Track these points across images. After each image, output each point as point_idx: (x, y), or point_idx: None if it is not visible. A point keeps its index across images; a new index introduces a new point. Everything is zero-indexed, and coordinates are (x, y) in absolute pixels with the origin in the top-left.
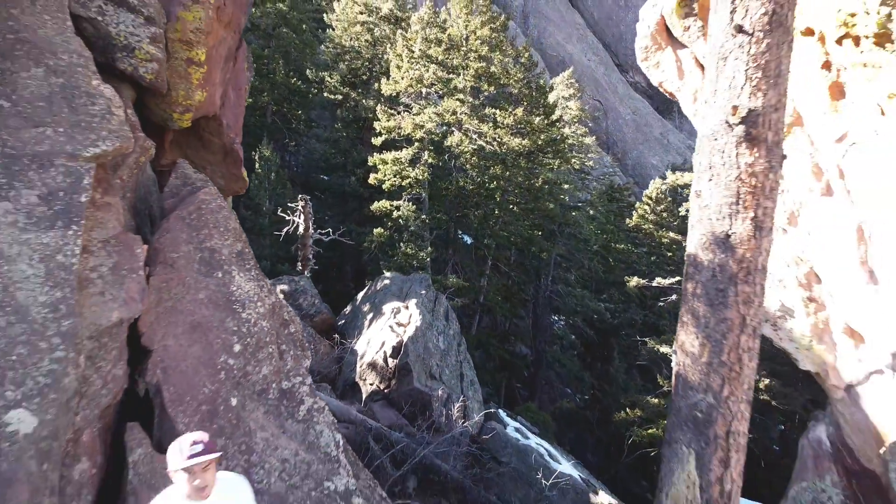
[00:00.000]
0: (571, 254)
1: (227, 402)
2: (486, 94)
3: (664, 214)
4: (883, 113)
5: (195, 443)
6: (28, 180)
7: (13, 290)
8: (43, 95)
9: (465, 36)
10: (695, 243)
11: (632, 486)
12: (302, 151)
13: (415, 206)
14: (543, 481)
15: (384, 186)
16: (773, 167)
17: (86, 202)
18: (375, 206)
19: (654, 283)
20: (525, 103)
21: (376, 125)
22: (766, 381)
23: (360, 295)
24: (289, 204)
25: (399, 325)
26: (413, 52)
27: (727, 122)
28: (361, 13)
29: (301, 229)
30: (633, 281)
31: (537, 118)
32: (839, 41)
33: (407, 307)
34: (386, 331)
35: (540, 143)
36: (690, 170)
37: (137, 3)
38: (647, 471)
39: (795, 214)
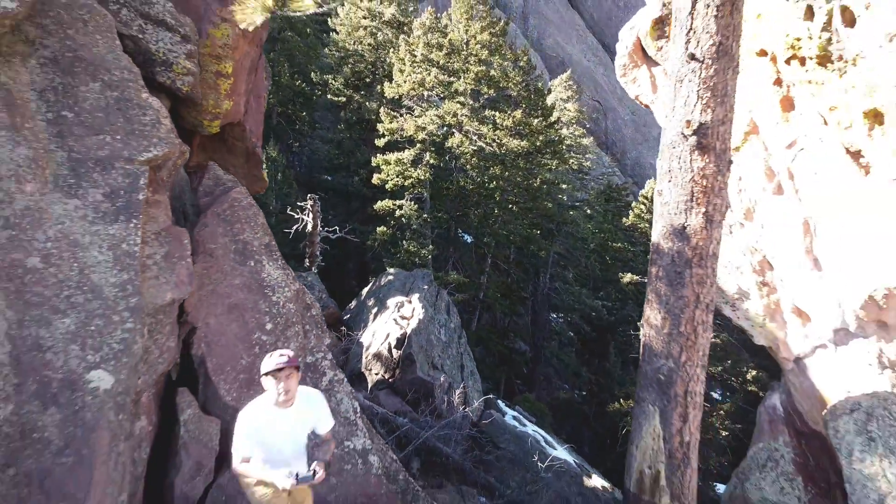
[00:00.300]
0: (569, 252)
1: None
2: (485, 96)
3: None
4: (826, 123)
5: (282, 355)
6: (93, 181)
7: (88, 272)
8: (101, 107)
9: (465, 40)
10: (657, 234)
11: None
12: (305, 152)
13: (417, 206)
14: (539, 464)
15: (387, 186)
16: (720, 170)
17: (143, 199)
18: (379, 205)
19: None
20: (524, 106)
21: (379, 127)
22: (753, 372)
23: (365, 290)
24: (298, 203)
25: (403, 318)
26: (415, 56)
27: (683, 133)
28: (365, 18)
29: (310, 227)
30: (627, 277)
31: (536, 120)
32: (788, 61)
33: (410, 301)
34: (390, 323)
35: (538, 144)
36: None
37: (174, 23)
38: None
39: (751, 210)
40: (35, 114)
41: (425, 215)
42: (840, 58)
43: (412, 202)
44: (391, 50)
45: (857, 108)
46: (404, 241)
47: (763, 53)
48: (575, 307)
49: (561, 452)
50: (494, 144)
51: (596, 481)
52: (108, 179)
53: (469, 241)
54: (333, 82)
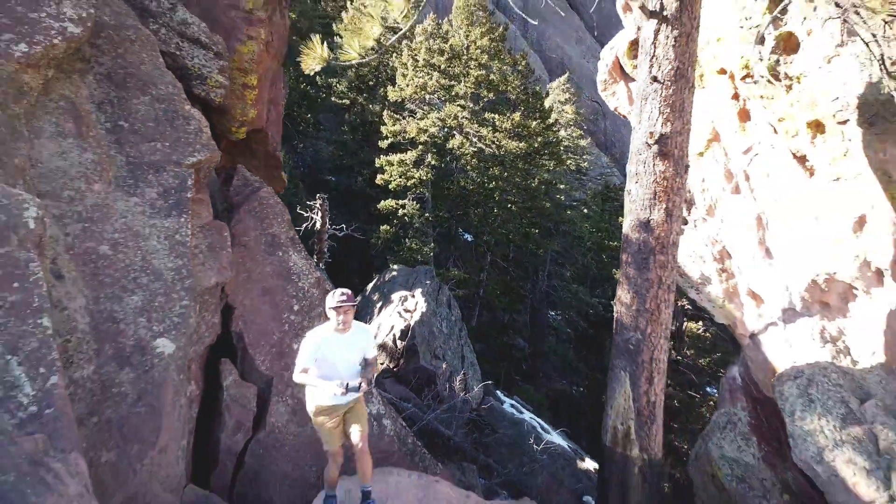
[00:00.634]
0: (567, 251)
1: (290, 346)
2: (485, 99)
3: None
4: (776, 131)
5: (343, 294)
6: (148, 181)
7: (150, 258)
8: (151, 117)
9: (465, 46)
10: (627, 227)
11: None
12: (308, 153)
13: (419, 205)
14: (535, 446)
15: (390, 186)
16: (678, 173)
17: (191, 197)
18: (382, 204)
19: None
20: (522, 108)
21: (383, 129)
22: None
23: (370, 286)
24: (308, 202)
25: (406, 311)
26: (417, 61)
27: (647, 142)
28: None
29: (318, 225)
30: (619, 274)
31: (534, 122)
32: (743, 79)
33: (413, 296)
34: (395, 316)
35: (536, 145)
36: None
37: (208, 41)
38: None
39: (713, 207)
40: (96, 123)
41: (427, 214)
42: (787, 76)
43: (414, 202)
44: (394, 55)
45: (801, 119)
46: (407, 240)
47: (723, 72)
48: (572, 304)
49: (556, 438)
50: (494, 146)
51: (588, 464)
52: (160, 180)
53: (469, 239)
54: (338, 86)
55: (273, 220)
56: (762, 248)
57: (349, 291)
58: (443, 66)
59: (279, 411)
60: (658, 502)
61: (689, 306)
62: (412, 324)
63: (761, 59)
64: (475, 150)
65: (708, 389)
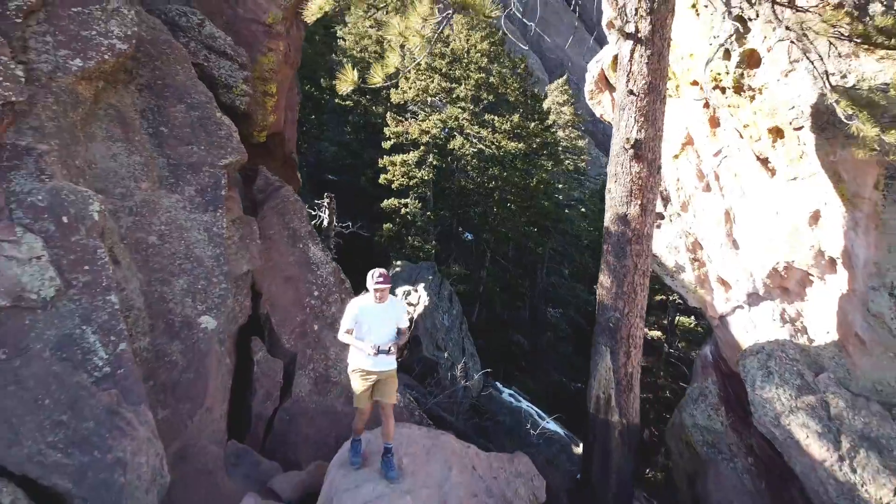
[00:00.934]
0: (565, 249)
1: (311, 327)
2: (485, 101)
3: None
4: (741, 136)
5: (381, 275)
6: (187, 180)
7: (192, 247)
8: (187, 123)
9: (466, 49)
10: (607, 220)
11: None
12: (312, 153)
13: (421, 204)
14: (532, 431)
15: (393, 186)
16: (651, 174)
17: (224, 195)
18: (385, 203)
19: None
20: (521, 110)
21: (386, 130)
22: None
23: None
24: (316, 201)
25: (410, 304)
26: (419, 64)
27: (624, 147)
28: (371, 27)
29: (325, 222)
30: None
31: (532, 123)
32: (713, 90)
33: (416, 290)
34: None
35: (535, 146)
36: None
37: (233, 54)
38: None
39: (686, 203)
40: (140, 129)
41: (429, 213)
42: (750, 87)
43: (416, 200)
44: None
45: (763, 126)
46: (409, 237)
47: (695, 83)
48: (571, 301)
49: (551, 424)
50: (493, 147)
51: (582, 449)
52: (198, 179)
53: (469, 238)
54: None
55: (293, 216)
56: (730, 240)
57: (385, 271)
58: (444, 70)
59: (302, 383)
60: (635, 461)
61: (680, 301)
62: (415, 316)
63: (727, 73)
64: (475, 150)
65: None
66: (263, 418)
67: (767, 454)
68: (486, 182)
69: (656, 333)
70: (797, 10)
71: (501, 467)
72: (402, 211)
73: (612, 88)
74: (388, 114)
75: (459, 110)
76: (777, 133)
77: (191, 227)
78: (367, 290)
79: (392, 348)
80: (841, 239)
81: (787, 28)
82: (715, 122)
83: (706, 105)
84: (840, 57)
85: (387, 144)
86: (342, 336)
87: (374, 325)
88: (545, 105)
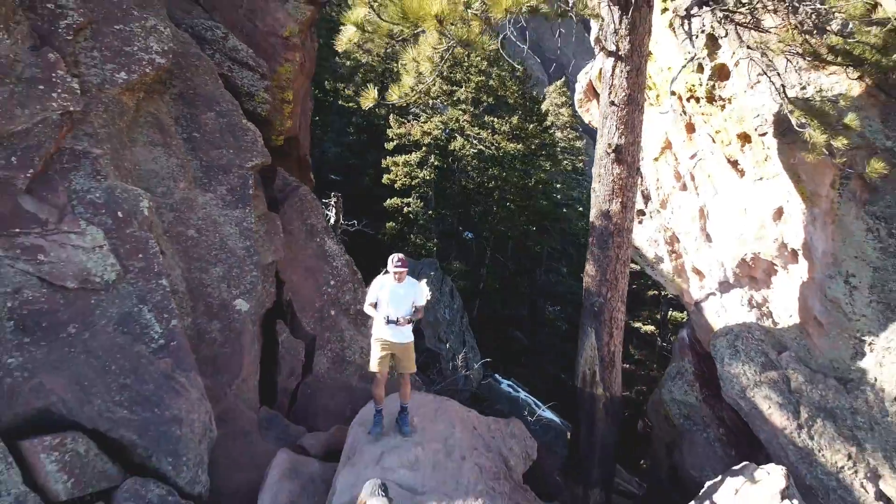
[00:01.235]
0: (563, 247)
1: (328, 312)
2: (485, 103)
3: None
4: (714, 141)
5: (399, 259)
6: (219, 181)
7: (226, 240)
8: (217, 129)
9: (466, 53)
10: (593, 216)
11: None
12: (315, 153)
13: (423, 203)
14: (529, 418)
15: (396, 185)
16: (631, 175)
17: (252, 193)
18: (388, 202)
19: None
20: (520, 112)
21: (388, 131)
22: None
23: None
24: (323, 200)
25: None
26: (422, 73)
27: (607, 151)
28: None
29: (332, 220)
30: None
31: (531, 125)
32: (688, 99)
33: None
34: None
35: (533, 147)
36: None
37: (254, 64)
38: (624, 441)
39: (665, 201)
40: (175, 134)
41: (430, 212)
42: (720, 98)
43: (418, 200)
44: (400, 62)
45: (732, 132)
46: (411, 235)
47: (673, 93)
48: (569, 298)
49: (548, 413)
50: (493, 147)
51: None
52: (228, 180)
53: (470, 236)
54: (345, 90)
55: (311, 212)
56: (703, 234)
57: (403, 256)
58: (445, 73)
59: (321, 362)
60: (618, 431)
61: (672, 296)
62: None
63: (700, 85)
64: (475, 151)
65: None
66: (288, 392)
67: (736, 425)
68: (486, 182)
69: (650, 328)
70: (759, 31)
71: (498, 429)
72: (405, 210)
73: (598, 98)
74: (391, 115)
75: (460, 112)
76: (745, 138)
77: (224, 222)
78: (386, 271)
79: (401, 320)
80: (801, 233)
81: (749, 48)
82: (691, 128)
83: (683, 112)
84: (802, 70)
85: (389, 145)
86: (366, 308)
87: (391, 300)
88: (544, 106)
